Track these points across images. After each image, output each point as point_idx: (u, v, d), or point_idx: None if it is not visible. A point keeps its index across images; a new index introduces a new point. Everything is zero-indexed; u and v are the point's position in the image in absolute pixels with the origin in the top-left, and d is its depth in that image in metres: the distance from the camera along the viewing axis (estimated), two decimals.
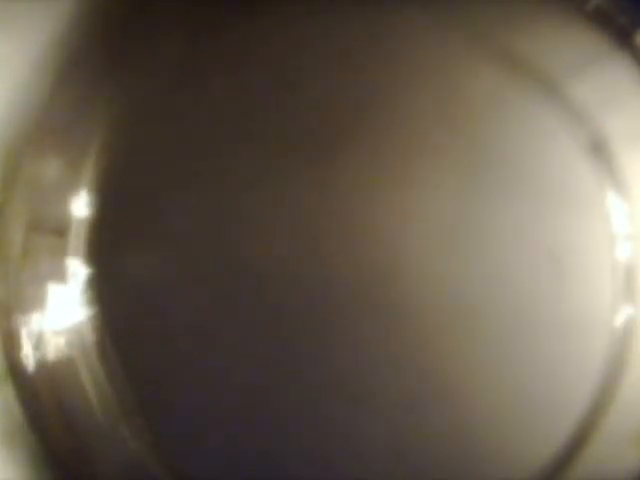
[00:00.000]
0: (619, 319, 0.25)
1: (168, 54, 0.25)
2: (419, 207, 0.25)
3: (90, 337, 0.24)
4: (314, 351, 0.24)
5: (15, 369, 0.24)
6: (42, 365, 0.24)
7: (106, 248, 0.24)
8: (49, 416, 0.24)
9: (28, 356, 0.24)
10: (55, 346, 0.24)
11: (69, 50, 0.24)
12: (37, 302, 0.24)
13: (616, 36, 0.25)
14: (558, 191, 0.25)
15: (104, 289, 0.24)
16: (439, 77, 0.25)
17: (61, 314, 0.24)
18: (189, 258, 0.24)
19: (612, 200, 0.25)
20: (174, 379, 0.24)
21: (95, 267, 0.24)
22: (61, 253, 0.24)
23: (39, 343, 0.24)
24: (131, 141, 0.25)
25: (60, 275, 0.24)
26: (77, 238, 0.24)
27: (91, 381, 0.24)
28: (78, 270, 0.24)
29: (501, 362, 0.24)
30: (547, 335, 0.24)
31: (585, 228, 0.25)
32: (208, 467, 0.24)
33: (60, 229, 0.24)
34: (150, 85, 0.25)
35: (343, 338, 0.24)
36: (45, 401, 0.24)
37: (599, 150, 0.25)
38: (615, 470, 0.24)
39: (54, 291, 0.24)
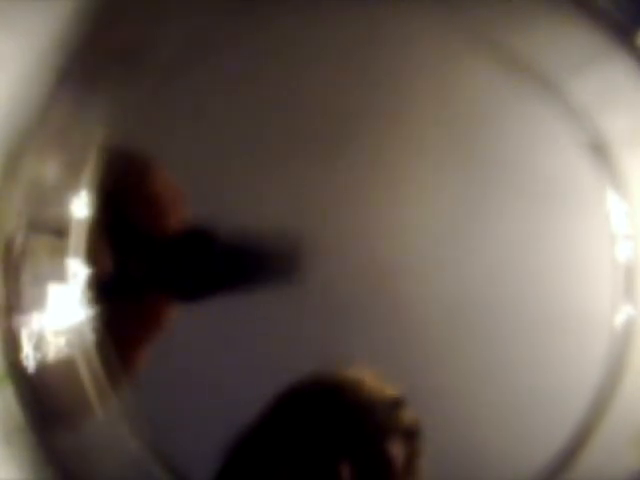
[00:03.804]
0: (619, 319, 0.25)
1: (168, 54, 0.25)
2: (419, 206, 0.25)
3: (90, 337, 0.24)
4: (313, 350, 0.24)
5: (15, 369, 0.24)
6: (42, 365, 0.24)
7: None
8: (49, 416, 0.24)
9: (28, 356, 0.24)
10: (55, 346, 0.24)
11: (69, 50, 0.24)
12: (37, 302, 0.24)
13: (616, 36, 0.25)
14: (558, 191, 0.25)
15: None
16: (439, 77, 0.25)
17: (61, 314, 0.24)
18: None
19: (612, 200, 0.25)
20: (174, 379, 0.24)
21: (95, 267, 0.24)
22: (61, 253, 0.24)
23: (39, 343, 0.24)
24: (131, 141, 0.25)
25: (60, 275, 0.24)
26: (77, 238, 0.24)
27: (91, 381, 0.24)
28: (78, 270, 0.24)
29: (501, 362, 0.24)
30: (547, 335, 0.24)
31: (585, 228, 0.25)
32: (208, 467, 0.24)
33: (60, 229, 0.24)
34: (150, 85, 0.25)
35: (343, 338, 0.24)
36: (45, 401, 0.24)
37: (599, 150, 0.25)
38: (615, 470, 0.24)
39: (54, 291, 0.24)
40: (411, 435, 0.24)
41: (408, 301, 0.24)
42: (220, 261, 0.24)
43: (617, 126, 0.25)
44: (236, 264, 0.24)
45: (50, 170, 0.24)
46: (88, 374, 0.24)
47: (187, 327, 0.24)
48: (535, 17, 0.25)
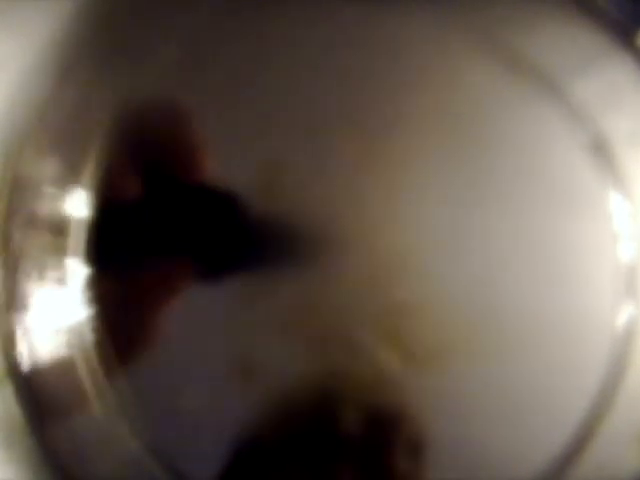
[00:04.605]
0: (620, 319, 0.25)
1: (168, 55, 0.25)
2: (419, 207, 0.25)
3: (90, 337, 0.24)
4: (312, 350, 0.24)
5: (15, 369, 0.24)
6: (41, 365, 0.24)
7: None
8: (49, 416, 0.24)
9: (27, 356, 0.24)
10: (55, 346, 0.24)
11: (69, 50, 0.24)
12: (37, 302, 0.24)
13: (616, 36, 0.25)
14: (560, 191, 0.25)
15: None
16: (440, 77, 0.25)
17: (61, 314, 0.24)
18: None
19: (614, 200, 0.25)
20: (174, 379, 0.24)
21: (95, 267, 0.24)
22: (61, 253, 0.24)
23: (38, 343, 0.24)
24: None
25: (60, 275, 0.24)
26: (77, 238, 0.24)
27: (91, 381, 0.24)
28: (78, 270, 0.24)
29: (502, 362, 0.24)
30: (548, 335, 0.24)
31: (587, 227, 0.25)
32: (207, 467, 0.24)
33: (60, 229, 0.24)
34: (150, 85, 0.25)
35: (345, 340, 0.24)
36: (45, 401, 0.24)
37: (600, 149, 0.25)
38: (617, 469, 0.24)
39: (54, 291, 0.24)
40: (414, 448, 0.24)
41: (404, 302, 0.24)
42: (238, 230, 0.24)
43: (619, 126, 0.25)
44: (254, 240, 0.24)
45: (50, 170, 0.25)
46: (87, 374, 0.24)
47: (188, 326, 0.24)
48: (536, 17, 0.25)
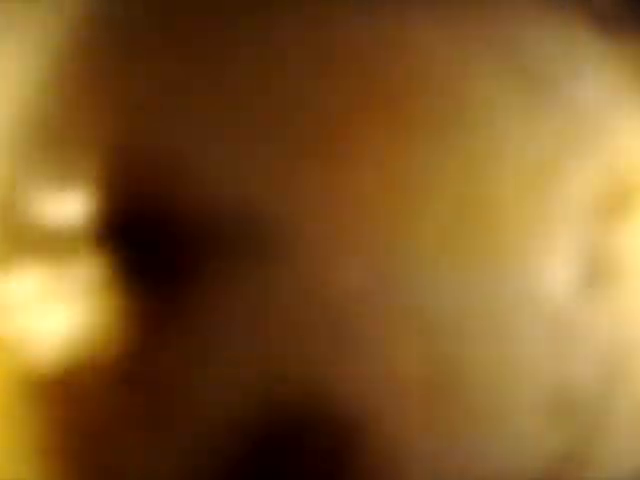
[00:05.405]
0: None
1: (169, 54, 0.25)
2: (420, 208, 0.25)
3: (90, 337, 0.24)
4: (312, 354, 0.24)
5: (15, 369, 0.24)
6: (42, 365, 0.24)
7: (107, 248, 0.24)
8: (49, 416, 0.24)
9: (28, 356, 0.24)
10: (55, 346, 0.24)
11: (71, 51, 0.24)
12: (37, 301, 0.24)
13: (616, 36, 0.25)
14: None
15: (104, 289, 0.24)
16: (440, 77, 0.25)
17: (61, 313, 0.24)
18: None
19: None
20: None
21: (100, 266, 0.24)
22: (62, 253, 0.24)
23: (39, 342, 0.24)
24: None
25: (60, 274, 0.24)
26: (80, 238, 0.24)
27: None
28: (78, 270, 0.24)
29: (502, 361, 0.24)
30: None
31: None
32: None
33: (60, 229, 0.24)
34: (152, 85, 0.25)
35: (348, 339, 0.24)
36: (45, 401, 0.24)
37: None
38: (615, 470, 0.24)
39: (54, 290, 0.24)
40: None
41: (401, 304, 0.24)
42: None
43: (616, 126, 0.25)
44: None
45: (50, 170, 0.25)
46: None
47: (193, 327, 0.24)
48: (535, 16, 0.25)
